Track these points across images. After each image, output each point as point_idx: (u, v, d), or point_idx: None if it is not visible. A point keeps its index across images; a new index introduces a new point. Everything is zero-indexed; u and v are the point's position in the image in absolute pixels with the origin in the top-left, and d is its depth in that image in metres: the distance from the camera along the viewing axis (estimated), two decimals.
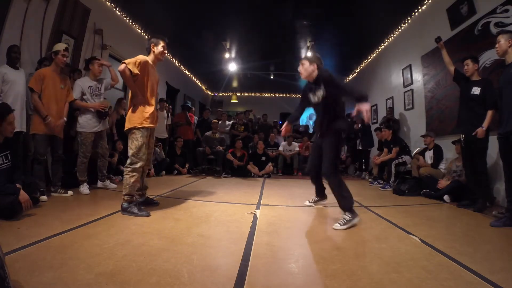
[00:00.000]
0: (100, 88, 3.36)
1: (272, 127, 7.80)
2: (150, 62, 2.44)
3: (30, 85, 2.74)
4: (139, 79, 2.36)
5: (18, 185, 2.14)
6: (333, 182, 2.25)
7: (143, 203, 2.53)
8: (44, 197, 2.59)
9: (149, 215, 2.22)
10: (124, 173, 2.35)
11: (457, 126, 3.16)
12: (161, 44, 2.48)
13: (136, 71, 2.28)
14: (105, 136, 3.48)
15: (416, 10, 4.95)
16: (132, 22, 5.64)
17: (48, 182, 3.06)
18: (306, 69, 2.36)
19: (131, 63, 2.27)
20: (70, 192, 2.97)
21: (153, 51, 2.49)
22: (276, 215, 2.45)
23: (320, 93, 2.36)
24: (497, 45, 2.44)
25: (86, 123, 3.21)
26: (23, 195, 2.05)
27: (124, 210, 2.26)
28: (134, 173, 2.32)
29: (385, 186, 4.28)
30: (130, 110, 2.40)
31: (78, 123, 3.22)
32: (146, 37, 6.21)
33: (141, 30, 5.97)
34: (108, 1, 4.83)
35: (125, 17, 5.39)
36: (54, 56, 2.88)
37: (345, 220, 2.08)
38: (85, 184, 3.17)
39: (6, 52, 2.77)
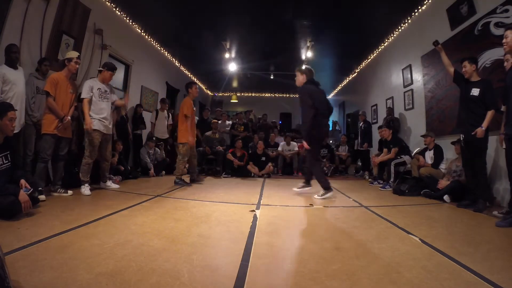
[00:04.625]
0: (108, 92, 3.43)
1: (272, 127, 7.79)
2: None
3: (46, 89, 2.88)
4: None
5: (21, 182, 2.16)
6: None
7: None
8: (43, 196, 2.57)
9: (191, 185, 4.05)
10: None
11: (457, 126, 3.15)
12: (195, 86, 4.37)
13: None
14: (110, 140, 3.54)
15: (416, 10, 4.95)
16: (132, 22, 5.64)
17: (48, 181, 3.06)
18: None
19: (189, 109, 4.14)
20: (70, 192, 2.97)
21: (191, 92, 4.35)
22: (276, 215, 2.44)
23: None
24: (504, 40, 2.36)
25: (96, 123, 3.26)
26: (23, 196, 2.04)
27: (176, 183, 3.98)
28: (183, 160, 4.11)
29: (385, 186, 4.28)
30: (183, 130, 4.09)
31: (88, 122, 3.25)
32: (146, 37, 6.21)
33: (141, 30, 5.97)
34: (108, 1, 4.83)
35: (125, 17, 5.39)
36: (67, 62, 3.02)
37: None
38: (86, 185, 3.17)
39: (4, 52, 2.77)
